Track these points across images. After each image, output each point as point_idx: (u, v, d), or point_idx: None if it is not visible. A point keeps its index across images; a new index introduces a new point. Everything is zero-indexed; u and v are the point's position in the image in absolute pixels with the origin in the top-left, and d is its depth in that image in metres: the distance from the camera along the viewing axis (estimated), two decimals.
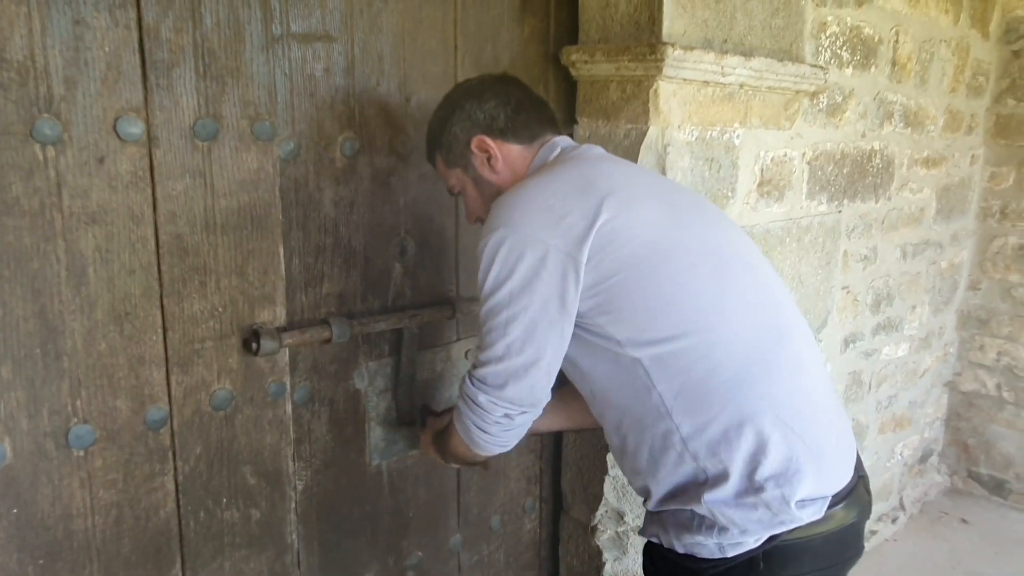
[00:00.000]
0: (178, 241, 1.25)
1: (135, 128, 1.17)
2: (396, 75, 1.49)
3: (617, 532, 1.91)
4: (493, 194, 1.30)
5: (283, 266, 1.38)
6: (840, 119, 2.26)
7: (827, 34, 2.14)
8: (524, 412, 1.20)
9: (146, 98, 1.18)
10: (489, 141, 1.29)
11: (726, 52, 1.67)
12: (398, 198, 1.54)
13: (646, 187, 1.23)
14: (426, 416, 1.61)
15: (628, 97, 1.66)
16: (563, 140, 1.33)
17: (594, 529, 1.92)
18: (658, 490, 1.20)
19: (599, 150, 1.32)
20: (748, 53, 1.75)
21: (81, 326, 1.17)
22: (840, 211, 2.34)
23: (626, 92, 1.67)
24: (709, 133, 1.78)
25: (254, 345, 1.33)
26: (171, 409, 1.28)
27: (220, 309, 1.31)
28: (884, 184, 2.55)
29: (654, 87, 1.61)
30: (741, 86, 1.80)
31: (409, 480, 1.67)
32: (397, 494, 1.65)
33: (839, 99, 2.24)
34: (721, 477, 1.13)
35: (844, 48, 2.21)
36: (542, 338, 1.14)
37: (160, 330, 1.25)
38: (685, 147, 1.72)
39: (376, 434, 1.59)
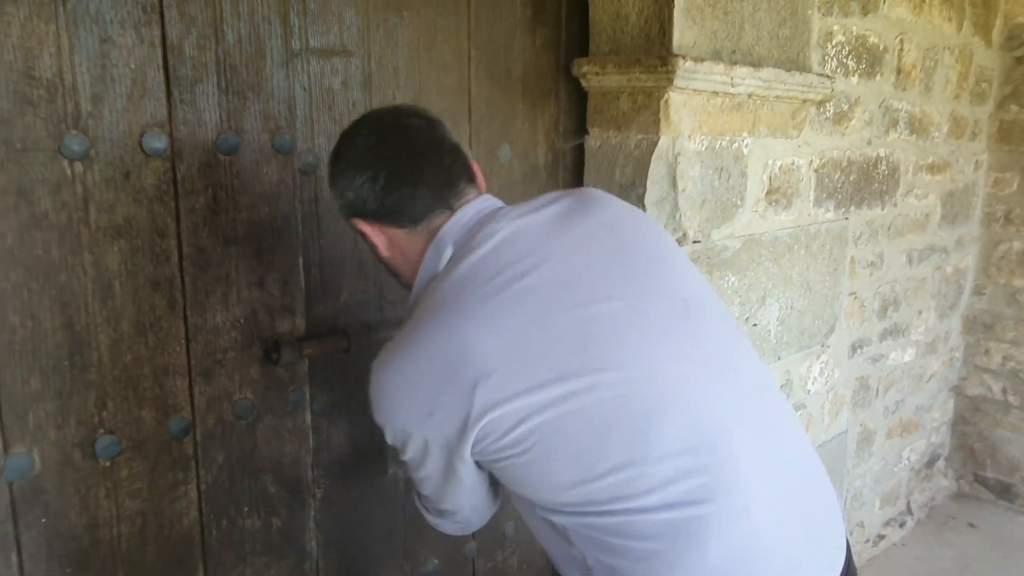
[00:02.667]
0: (201, 253, 1.27)
1: (159, 143, 1.19)
2: (411, 88, 1.51)
3: None
4: (390, 269, 1.17)
5: (303, 277, 1.40)
6: (846, 127, 2.28)
7: (833, 43, 2.17)
8: (471, 525, 1.21)
9: (170, 113, 1.20)
10: (363, 226, 1.10)
11: (735, 63, 1.69)
12: None
13: (539, 337, 0.95)
14: None
15: (639, 108, 1.69)
16: (456, 225, 1.06)
17: None
18: None
19: (501, 226, 1.03)
20: (757, 63, 1.77)
21: (107, 338, 1.19)
22: (847, 218, 2.36)
23: (637, 103, 1.69)
24: (719, 143, 1.80)
25: (275, 355, 1.35)
26: (194, 419, 1.30)
27: (242, 320, 1.33)
28: (890, 190, 2.57)
29: (665, 98, 1.64)
30: (750, 96, 1.82)
31: None
32: (412, 502, 1.67)
33: (845, 107, 2.26)
34: None
35: (850, 57, 2.23)
36: (452, 494, 1.08)
37: (183, 341, 1.27)
38: (695, 157, 1.74)
39: None
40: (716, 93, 1.73)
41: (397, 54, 1.47)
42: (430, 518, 1.21)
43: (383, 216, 1.07)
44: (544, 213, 1.06)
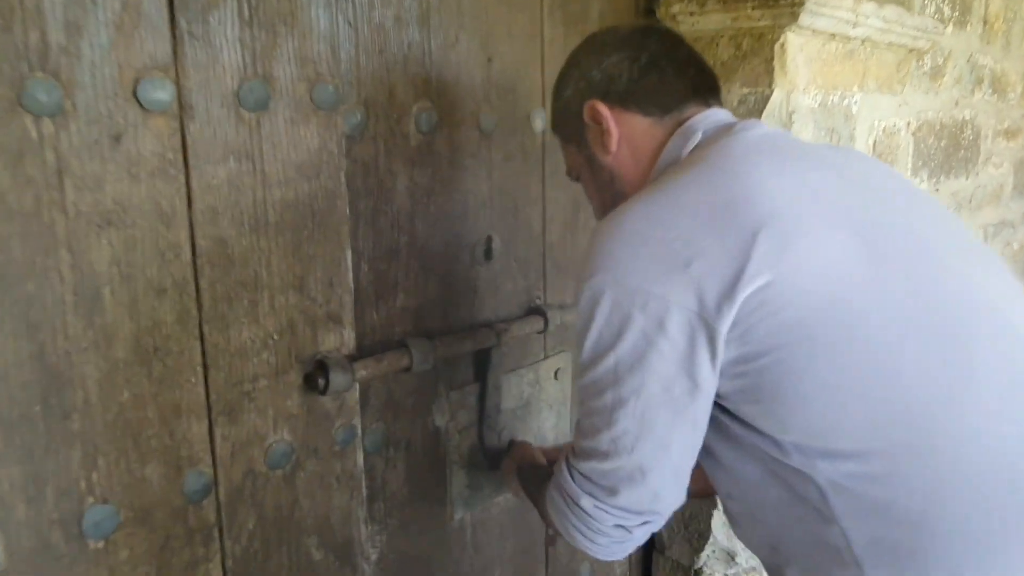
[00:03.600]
0: (221, 247, 0.92)
1: (162, 93, 0.85)
2: (477, 30, 1.17)
3: (727, 575, 1.62)
4: (606, 183, 0.98)
5: (351, 275, 1.06)
6: (939, 84, 1.99)
7: None
8: (646, 523, 0.86)
9: (175, 52, 0.85)
10: (603, 108, 0.94)
11: None
12: (481, 185, 1.22)
13: (828, 202, 0.80)
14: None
15: (745, 54, 1.37)
16: (709, 119, 0.92)
17: (698, 572, 1.63)
18: None
19: (760, 130, 0.89)
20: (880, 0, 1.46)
21: (96, 369, 0.84)
22: (938, 189, 2.07)
23: (742, 48, 1.37)
24: (831, 98, 1.49)
25: (321, 381, 1.01)
26: (216, 473, 0.96)
27: (276, 336, 0.99)
28: (973, 158, 2.29)
29: (781, 40, 1.32)
30: (863, 41, 1.51)
31: (494, 533, 1.36)
32: (482, 550, 1.34)
33: (940, 61, 1.97)
34: None
35: (946, 2, 1.93)
36: (663, 432, 0.79)
37: (200, 369, 0.93)
38: (809, 115, 1.43)
39: (459, 480, 1.27)
40: (833, 36, 1.42)
41: None
42: (590, 503, 0.84)
43: (631, 98, 0.94)
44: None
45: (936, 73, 1.96)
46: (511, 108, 1.24)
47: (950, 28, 1.98)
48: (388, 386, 1.15)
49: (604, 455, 0.82)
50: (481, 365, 1.27)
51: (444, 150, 1.15)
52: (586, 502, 0.85)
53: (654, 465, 0.80)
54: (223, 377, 0.95)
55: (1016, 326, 0.80)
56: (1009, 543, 0.73)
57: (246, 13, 0.90)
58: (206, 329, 0.92)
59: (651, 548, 1.72)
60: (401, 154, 1.10)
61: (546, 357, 1.39)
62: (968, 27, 2.08)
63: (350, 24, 1.01)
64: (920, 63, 1.86)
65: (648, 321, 0.75)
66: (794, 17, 1.27)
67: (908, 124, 1.85)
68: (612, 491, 0.83)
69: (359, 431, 1.10)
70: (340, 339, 1.05)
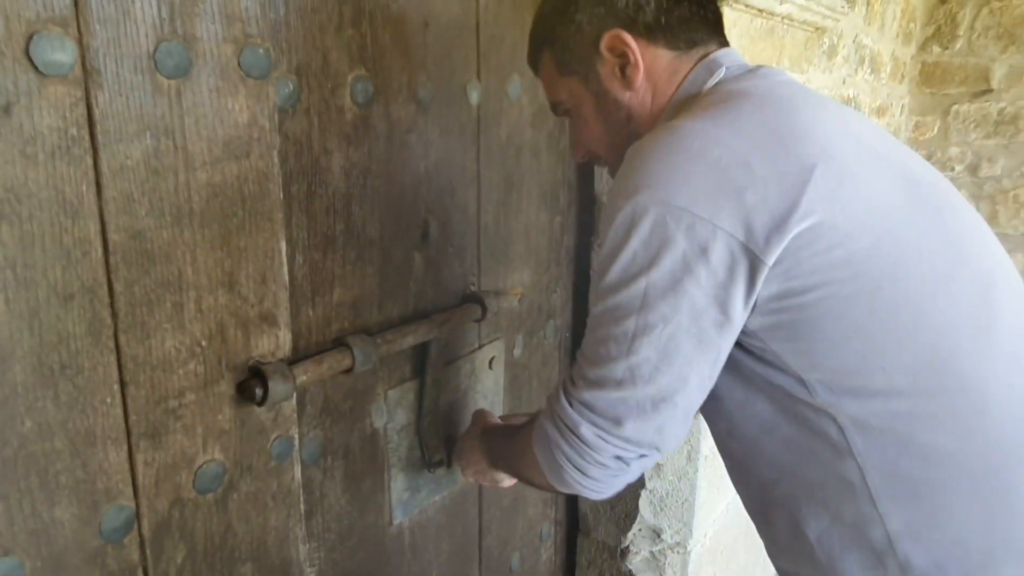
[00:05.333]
0: (138, 242, 0.77)
1: (62, 54, 0.68)
2: None
3: (653, 552, 1.63)
4: (620, 121, 0.92)
5: (285, 268, 0.93)
6: (834, 62, 2.05)
7: None
8: (644, 456, 0.82)
9: (77, 2, 0.69)
10: (629, 39, 0.87)
11: None
12: (418, 163, 1.11)
13: (869, 148, 0.80)
14: (452, 449, 1.23)
15: None
16: (731, 56, 0.90)
17: (625, 551, 1.63)
18: None
19: (785, 76, 0.88)
20: None
21: None
22: None
23: None
24: None
25: (258, 391, 0.88)
26: (139, 506, 0.82)
27: (203, 343, 0.85)
28: None
29: None
30: (783, 19, 1.51)
31: (431, 534, 1.28)
32: (419, 554, 1.26)
33: (835, 40, 2.03)
34: None
35: None
36: (684, 364, 0.76)
37: (116, 387, 0.78)
38: None
39: (398, 484, 1.18)
40: (761, 12, 1.41)
41: None
42: (590, 430, 0.79)
43: (660, 30, 0.88)
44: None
45: (832, 52, 2.02)
46: (447, 78, 1.13)
47: (844, 8, 2.04)
48: (324, 390, 1.03)
49: (617, 383, 0.77)
50: (419, 359, 1.17)
51: (381, 125, 1.03)
52: (586, 430, 0.80)
53: (667, 398, 0.77)
54: (144, 394, 0.80)
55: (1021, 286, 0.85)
56: (1021, 480, 0.77)
57: None
58: (122, 340, 0.77)
59: (574, 532, 1.70)
60: (337, 130, 0.97)
61: (481, 346, 1.31)
62: (856, 8, 2.16)
63: None
64: (820, 42, 1.91)
65: (691, 245, 0.72)
66: None
67: None
68: (617, 421, 0.78)
69: (296, 442, 0.98)
70: (275, 342, 0.93)
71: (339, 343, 1.00)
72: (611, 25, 0.88)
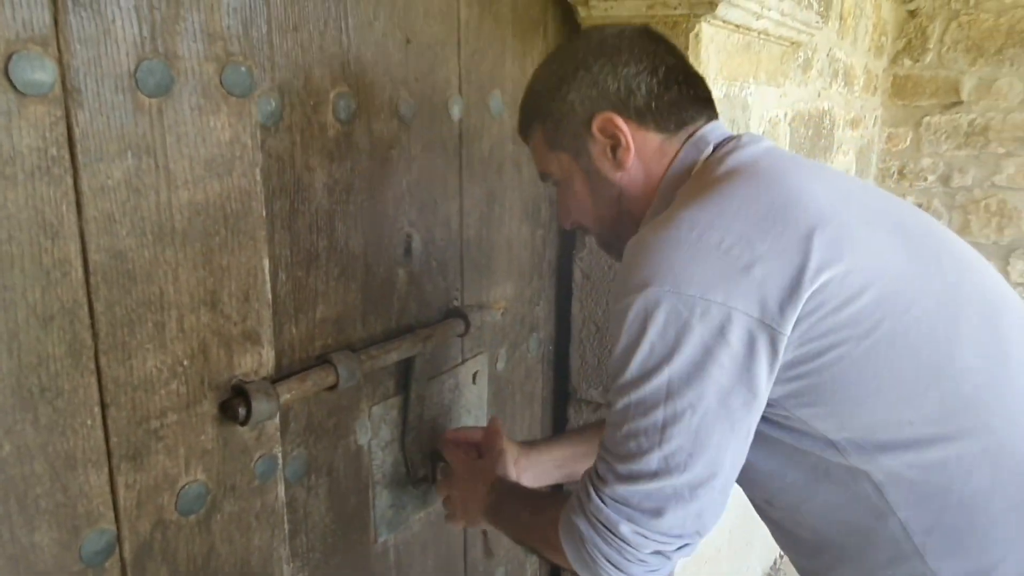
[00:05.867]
0: (119, 261, 0.76)
1: (42, 73, 0.68)
2: (395, 6, 1.06)
3: None
4: (610, 198, 0.94)
5: (268, 285, 0.92)
6: (808, 76, 2.08)
7: None
8: (685, 545, 0.81)
9: (57, 22, 0.69)
10: (621, 122, 0.89)
11: None
12: (401, 178, 1.11)
13: (861, 204, 0.83)
14: (437, 465, 1.23)
15: None
16: (716, 131, 0.92)
17: None
18: None
19: (766, 143, 0.91)
20: None
21: None
22: None
23: None
24: (732, 89, 1.50)
25: (241, 410, 0.87)
26: (120, 529, 0.81)
27: (186, 362, 0.84)
28: (830, 146, 2.44)
29: (696, 30, 1.30)
30: (760, 34, 1.53)
31: (416, 551, 1.27)
32: (405, 572, 1.25)
33: (810, 54, 2.06)
34: None
35: None
36: (718, 447, 0.76)
37: (97, 408, 0.77)
38: (717, 105, 1.43)
39: (382, 501, 1.17)
40: (738, 27, 1.43)
41: None
42: (629, 528, 0.78)
43: (650, 114, 0.90)
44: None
45: (807, 66, 2.05)
46: (429, 94, 1.14)
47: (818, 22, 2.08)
48: (308, 407, 1.02)
49: (652, 476, 0.77)
50: (403, 375, 1.17)
51: (364, 141, 1.03)
52: (625, 528, 0.78)
53: (705, 482, 0.76)
54: (125, 416, 0.79)
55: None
56: None
57: None
58: (103, 361, 0.76)
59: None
60: (319, 147, 0.97)
61: (464, 361, 1.31)
62: (829, 22, 2.19)
63: None
64: (796, 56, 1.94)
65: (708, 330, 0.73)
66: (712, 7, 1.26)
67: (786, 114, 1.92)
68: (656, 513, 0.77)
69: (280, 461, 0.97)
70: (258, 360, 0.92)
71: (323, 360, 0.99)
72: (603, 107, 0.90)
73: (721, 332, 0.73)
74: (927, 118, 3.09)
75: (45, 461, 0.73)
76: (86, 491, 0.77)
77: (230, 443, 0.90)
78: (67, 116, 0.70)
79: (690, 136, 0.92)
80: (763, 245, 0.74)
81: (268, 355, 0.93)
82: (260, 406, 0.88)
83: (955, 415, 0.77)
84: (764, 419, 0.79)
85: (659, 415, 0.75)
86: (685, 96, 0.92)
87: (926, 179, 3.15)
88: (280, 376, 0.94)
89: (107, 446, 0.78)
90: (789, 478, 0.83)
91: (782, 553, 0.95)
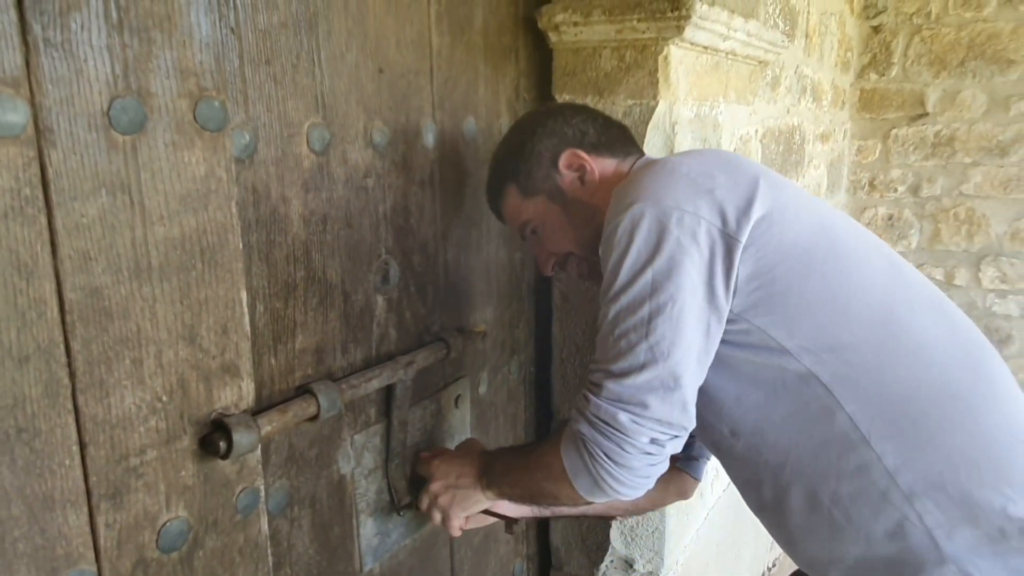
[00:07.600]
0: (95, 299, 0.76)
1: (13, 114, 0.68)
2: (367, 37, 1.07)
3: None
4: (586, 217, 1.09)
5: (247, 318, 0.92)
6: (777, 93, 2.12)
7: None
8: (675, 437, 0.91)
9: (28, 63, 0.69)
10: (582, 153, 1.09)
11: (733, 12, 1.42)
12: (377, 206, 1.12)
13: (778, 176, 1.04)
14: (422, 491, 1.22)
15: (629, 67, 1.36)
16: (654, 155, 1.24)
17: None
18: (848, 558, 0.93)
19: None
20: (745, 14, 1.51)
21: None
22: None
23: (625, 60, 1.36)
24: (702, 109, 1.53)
25: (222, 444, 0.87)
26: (100, 569, 0.80)
27: (164, 398, 0.84)
28: (801, 161, 2.48)
29: (664, 52, 1.33)
30: (727, 54, 1.56)
31: None
32: None
33: (778, 72, 2.10)
34: (962, 518, 0.87)
35: (780, 16, 2.06)
36: (691, 335, 0.90)
37: (75, 448, 0.76)
38: (688, 125, 1.46)
39: (367, 530, 1.16)
40: (706, 49, 1.45)
41: None
42: (627, 417, 0.88)
43: (603, 145, 1.11)
44: None
45: (775, 83, 2.09)
46: (404, 121, 1.15)
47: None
48: (289, 438, 1.02)
49: (641, 366, 0.88)
50: (384, 401, 1.16)
51: (339, 171, 1.04)
52: (623, 417, 0.88)
53: (684, 371, 0.89)
54: (104, 454, 0.79)
55: (924, 280, 1.04)
56: (978, 398, 0.92)
57: (114, 16, 0.75)
58: (81, 400, 0.76)
59: (546, 567, 1.69)
60: (295, 178, 0.98)
61: (446, 385, 1.31)
62: (796, 40, 2.24)
63: (233, 30, 0.88)
64: (764, 74, 1.98)
65: (683, 233, 0.89)
66: (679, 31, 1.28)
67: (757, 131, 1.96)
68: (645, 404, 0.88)
69: (262, 493, 0.97)
70: (238, 392, 0.92)
71: (303, 390, 0.99)
72: (564, 147, 1.10)
73: (693, 235, 0.89)
74: (895, 130, 3.15)
75: (23, 503, 0.72)
76: (65, 532, 0.76)
77: (211, 478, 0.90)
78: (40, 156, 0.70)
79: (635, 161, 1.12)
80: (721, 177, 0.95)
81: (248, 387, 0.93)
82: (241, 439, 0.87)
83: (879, 322, 0.93)
84: (728, 342, 0.93)
85: (645, 310, 0.89)
86: (623, 135, 1.15)
87: (896, 190, 3.20)
88: (260, 408, 0.94)
89: (86, 485, 0.77)
90: (752, 398, 0.95)
91: (770, 566, 1.02)
